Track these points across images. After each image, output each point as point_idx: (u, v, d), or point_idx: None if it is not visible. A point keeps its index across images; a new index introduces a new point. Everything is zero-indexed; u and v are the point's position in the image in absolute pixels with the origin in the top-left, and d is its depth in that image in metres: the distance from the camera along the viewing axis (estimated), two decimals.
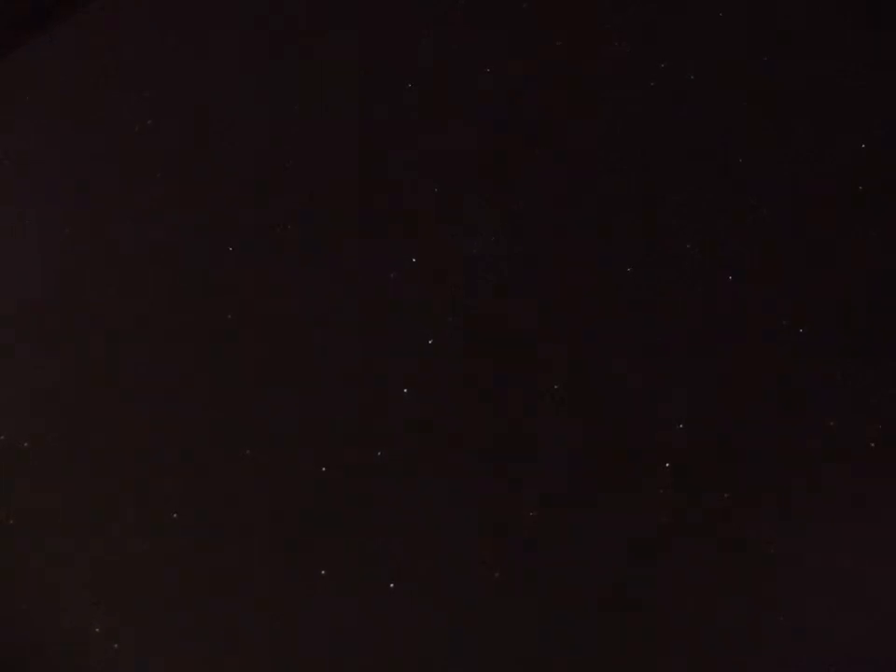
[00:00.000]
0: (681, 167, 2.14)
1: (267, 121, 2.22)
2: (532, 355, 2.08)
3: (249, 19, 2.26)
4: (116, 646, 2.02)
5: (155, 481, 2.08)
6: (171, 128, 2.25)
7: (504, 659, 1.97)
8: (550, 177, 2.16)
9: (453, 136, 2.19)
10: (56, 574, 2.06)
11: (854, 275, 2.06)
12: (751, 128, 2.14)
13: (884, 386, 2.01)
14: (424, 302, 2.13)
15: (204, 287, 2.17)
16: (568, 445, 2.04)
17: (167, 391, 2.13)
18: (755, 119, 2.14)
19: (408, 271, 2.14)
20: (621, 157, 2.15)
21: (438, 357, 2.10)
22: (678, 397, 2.04)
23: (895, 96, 2.12)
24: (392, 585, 2.00)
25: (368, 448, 2.07)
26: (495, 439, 2.06)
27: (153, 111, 2.25)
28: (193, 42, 2.27)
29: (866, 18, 2.13)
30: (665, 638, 1.95)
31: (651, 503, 2.00)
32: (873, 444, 1.99)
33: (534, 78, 2.20)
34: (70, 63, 2.28)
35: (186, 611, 2.02)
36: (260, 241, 2.18)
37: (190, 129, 2.24)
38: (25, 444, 2.13)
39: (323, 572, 2.02)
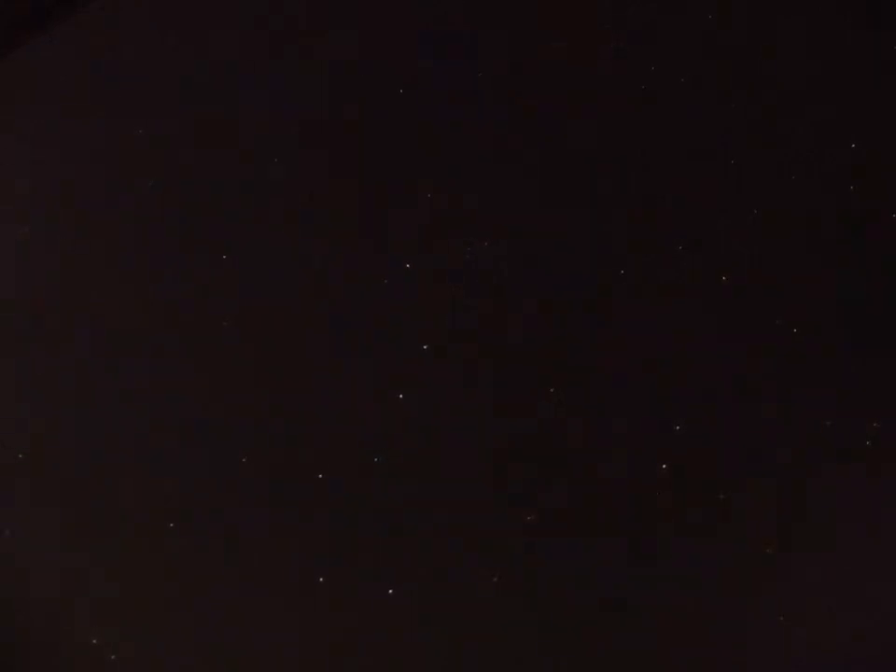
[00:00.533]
0: (674, 169, 2.14)
1: (266, 123, 2.22)
2: (528, 358, 2.08)
3: (249, 18, 2.26)
4: (114, 657, 2.01)
5: (151, 490, 2.07)
6: (170, 129, 2.24)
7: (504, 663, 1.97)
8: (544, 181, 2.16)
9: (447, 140, 2.19)
10: (53, 585, 2.05)
11: (848, 275, 2.07)
12: (744, 130, 2.14)
13: (880, 385, 2.01)
14: (418, 307, 2.12)
15: (199, 292, 2.17)
16: (566, 448, 2.04)
17: (162, 398, 2.11)
18: (747, 121, 2.15)
19: (402, 276, 2.13)
20: (613, 160, 2.15)
21: (433, 361, 2.09)
22: (674, 398, 2.04)
23: (885, 96, 2.12)
24: (391, 591, 2.00)
25: (365, 454, 2.06)
26: (492, 443, 2.06)
27: (153, 112, 2.25)
28: (193, 42, 2.26)
29: (857, 19, 2.14)
30: (664, 639, 1.95)
31: (649, 505, 2.00)
32: (869, 443, 1.99)
33: (528, 82, 2.20)
34: (70, 63, 2.27)
35: (184, 621, 2.02)
36: (255, 246, 2.18)
37: (190, 130, 2.24)
38: (21, 456, 2.12)
39: (321, 579, 2.01)
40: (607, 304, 2.09)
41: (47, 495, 2.09)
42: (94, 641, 2.02)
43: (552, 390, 2.06)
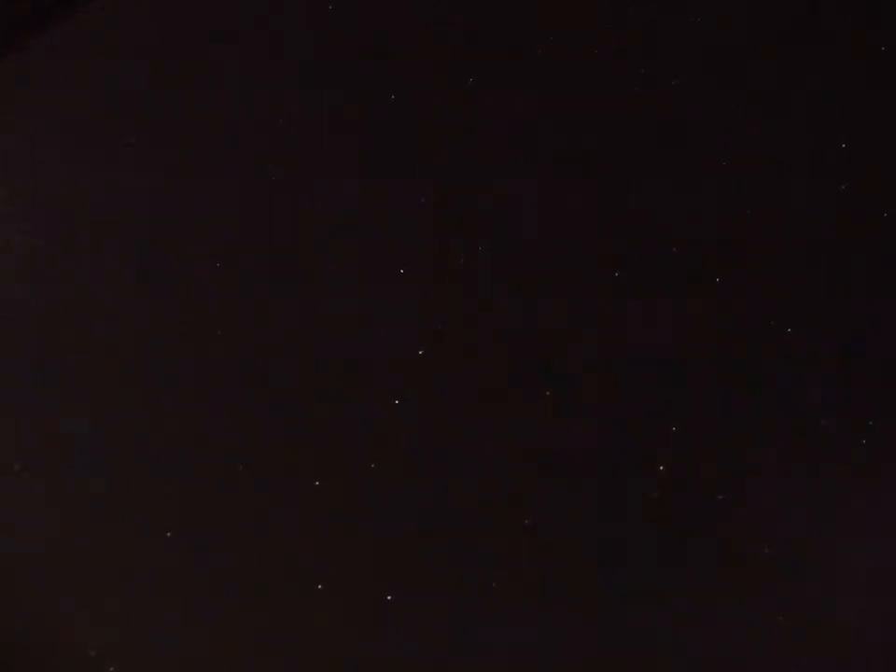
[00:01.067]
0: (668, 170, 2.15)
1: (261, 127, 2.23)
2: (523, 362, 2.08)
3: (250, 18, 2.27)
4: (112, 669, 2.00)
5: (148, 500, 2.07)
6: (170, 129, 2.25)
7: (504, 667, 1.97)
8: (538, 184, 2.16)
9: (440, 144, 2.20)
10: (50, 594, 2.04)
11: (841, 274, 2.07)
12: (735, 131, 2.15)
13: (875, 384, 2.02)
14: (413, 312, 2.12)
15: (192, 299, 2.17)
16: (562, 451, 2.04)
17: (158, 407, 2.11)
18: (738, 123, 2.16)
19: (397, 281, 2.14)
20: (607, 163, 2.16)
21: (428, 367, 2.09)
22: (671, 399, 2.04)
23: (875, 96, 2.13)
24: (389, 597, 1.99)
25: (361, 460, 2.06)
26: (488, 447, 2.05)
27: (152, 112, 2.25)
28: (193, 42, 2.27)
29: (847, 19, 2.16)
30: (663, 641, 1.95)
31: (646, 507, 2.00)
32: (864, 441, 2.00)
33: (520, 84, 2.20)
34: (70, 63, 2.28)
35: (182, 630, 2.01)
36: (249, 254, 2.18)
37: (190, 131, 2.24)
38: (16, 467, 2.11)
39: (319, 587, 2.01)
40: (602, 307, 2.10)
41: (43, 504, 2.08)
42: (92, 654, 2.01)
43: (547, 393, 2.06)
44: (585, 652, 1.95)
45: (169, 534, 2.05)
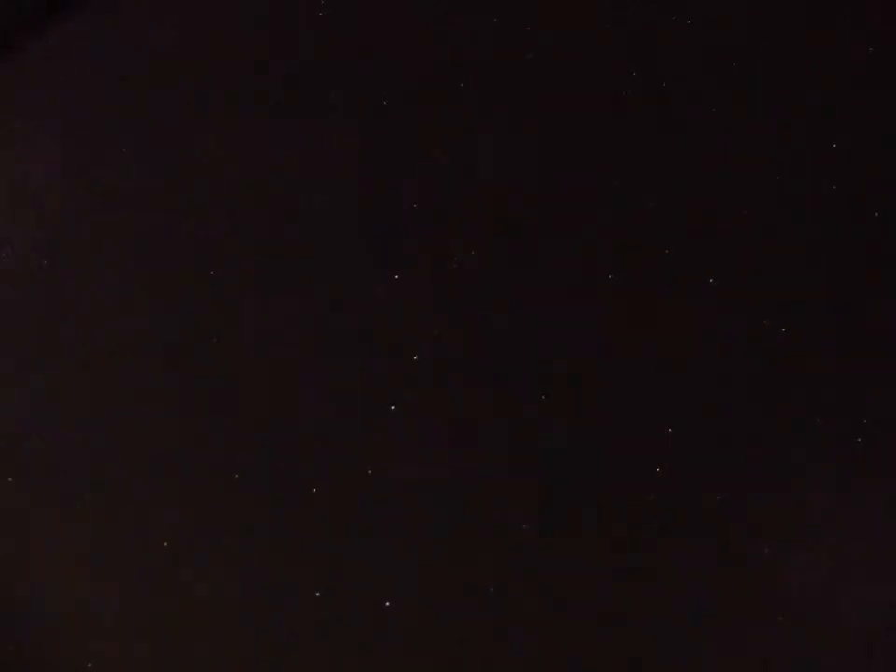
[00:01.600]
0: (660, 172, 2.15)
1: (264, 126, 2.23)
2: (518, 366, 2.08)
3: (250, 18, 2.27)
4: None
5: (144, 509, 2.06)
6: (170, 129, 2.24)
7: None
8: (530, 188, 2.16)
9: (433, 149, 2.20)
10: (47, 606, 2.03)
11: (834, 273, 2.08)
12: (726, 132, 2.16)
13: (869, 382, 2.03)
14: (408, 318, 2.12)
15: (186, 308, 2.16)
16: (558, 455, 2.04)
17: (154, 416, 2.11)
18: (729, 124, 2.17)
19: (391, 287, 2.13)
20: (599, 165, 2.17)
21: (424, 372, 2.09)
22: (665, 401, 2.04)
23: (865, 96, 2.15)
24: (388, 603, 1.99)
25: (358, 466, 2.05)
26: (485, 451, 2.05)
27: (151, 113, 2.25)
28: (193, 41, 2.27)
29: (838, 19, 2.17)
30: (662, 642, 1.95)
31: (643, 509, 2.00)
32: (860, 440, 2.00)
33: (513, 88, 2.21)
34: (70, 63, 2.28)
35: (180, 639, 2.00)
36: (243, 262, 2.18)
37: (189, 131, 2.24)
38: (10, 479, 2.10)
39: (318, 594, 2.00)
40: (596, 309, 2.10)
41: (40, 513, 2.07)
42: (89, 665, 1.99)
43: (543, 397, 2.06)
44: (585, 654, 1.95)
45: (166, 543, 2.04)
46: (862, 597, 1.94)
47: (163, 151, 2.25)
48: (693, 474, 2.01)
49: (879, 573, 1.95)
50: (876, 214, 2.10)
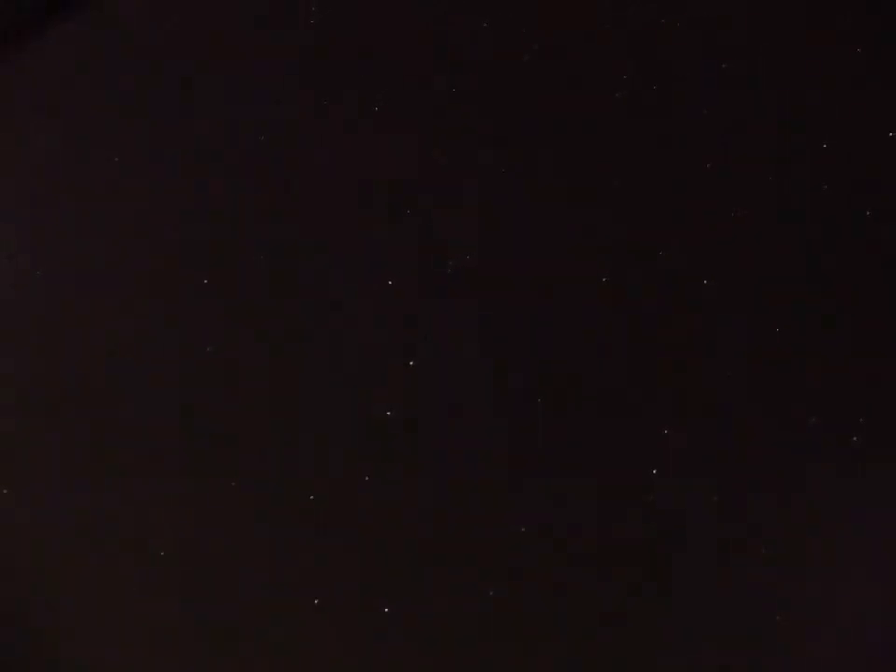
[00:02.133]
0: (652, 175, 2.16)
1: (248, 140, 2.23)
2: (514, 370, 2.09)
3: (250, 17, 2.27)
4: None
5: (140, 519, 2.05)
6: (170, 129, 2.24)
7: None
8: (523, 192, 2.17)
9: (425, 154, 2.20)
10: (43, 614, 2.02)
11: (827, 273, 2.09)
12: (718, 134, 2.17)
13: (864, 381, 2.03)
14: (402, 324, 2.12)
15: (180, 316, 2.16)
16: (555, 458, 2.04)
17: (150, 425, 2.10)
18: (721, 126, 2.17)
19: (385, 293, 2.13)
20: (592, 169, 2.17)
21: (419, 377, 2.09)
22: (661, 403, 2.05)
23: (855, 96, 2.15)
24: (387, 609, 1.98)
25: (355, 472, 2.05)
26: (481, 456, 2.05)
27: (150, 114, 2.25)
28: (193, 41, 2.27)
29: (828, 20, 2.18)
30: (662, 644, 1.95)
31: (640, 510, 2.00)
32: (855, 438, 2.01)
33: (504, 93, 2.21)
34: (70, 64, 2.28)
35: (178, 648, 1.99)
36: (237, 269, 2.17)
37: (189, 131, 2.24)
38: (5, 491, 2.10)
39: (316, 601, 2.00)
40: (591, 312, 2.10)
41: (36, 523, 2.06)
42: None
43: (539, 401, 2.06)
44: (585, 656, 1.95)
45: (163, 553, 2.03)
46: (861, 597, 1.94)
47: (163, 151, 2.25)
48: (690, 475, 2.01)
49: (877, 572, 1.95)
50: (868, 213, 2.10)
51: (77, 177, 2.25)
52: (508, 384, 2.08)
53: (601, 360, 2.08)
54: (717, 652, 1.94)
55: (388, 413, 2.08)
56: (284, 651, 1.98)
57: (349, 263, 2.16)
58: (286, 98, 2.25)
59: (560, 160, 2.18)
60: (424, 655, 1.97)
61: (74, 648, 2.00)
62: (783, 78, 2.18)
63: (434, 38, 2.25)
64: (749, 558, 1.96)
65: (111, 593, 2.02)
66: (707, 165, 2.15)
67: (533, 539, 2.00)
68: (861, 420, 2.01)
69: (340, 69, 2.26)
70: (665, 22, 2.21)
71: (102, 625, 2.01)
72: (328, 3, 2.29)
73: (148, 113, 2.26)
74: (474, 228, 2.16)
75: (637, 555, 1.98)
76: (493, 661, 1.96)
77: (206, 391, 2.11)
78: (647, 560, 1.98)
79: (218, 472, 2.06)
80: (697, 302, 2.09)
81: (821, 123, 2.15)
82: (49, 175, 2.27)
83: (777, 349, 2.06)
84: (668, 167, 2.16)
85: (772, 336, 2.06)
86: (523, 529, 2.01)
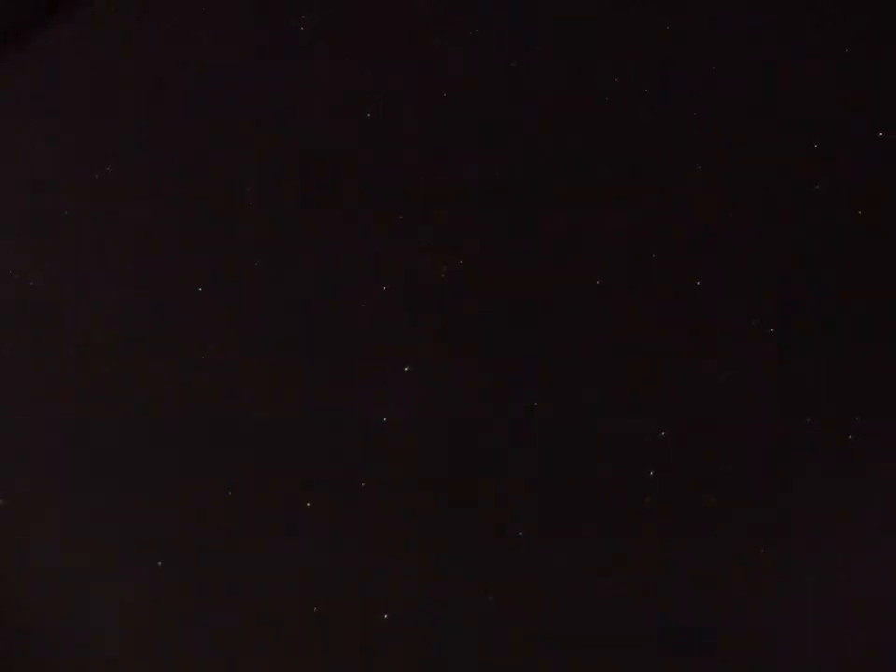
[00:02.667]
0: (644, 177, 2.16)
1: (242, 147, 2.23)
2: (510, 373, 2.08)
3: (249, 19, 2.27)
4: None
5: (137, 529, 2.05)
6: (170, 129, 2.24)
7: None
8: (516, 196, 2.17)
9: (417, 159, 2.21)
10: (40, 624, 2.01)
11: (820, 274, 2.09)
12: (709, 135, 2.17)
13: (858, 380, 2.03)
14: (397, 330, 2.12)
15: (173, 325, 2.16)
16: (552, 461, 2.04)
17: (146, 433, 2.10)
18: (712, 127, 2.18)
19: (380, 299, 2.13)
20: (585, 172, 2.18)
21: (415, 383, 2.09)
22: (656, 404, 2.05)
23: (845, 96, 2.16)
24: (386, 616, 1.98)
25: (351, 479, 2.05)
26: (478, 460, 2.05)
27: (151, 113, 2.25)
28: (194, 42, 2.27)
29: (819, 20, 2.18)
30: (661, 645, 1.95)
31: (638, 512, 2.00)
32: (851, 437, 2.01)
33: (497, 96, 2.22)
34: (70, 64, 2.27)
35: (176, 658, 1.98)
36: (231, 276, 2.17)
37: (189, 131, 2.24)
38: (2, 502, 2.09)
39: (315, 608, 1.99)
40: (585, 315, 2.10)
41: (33, 533, 2.06)
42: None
43: (535, 404, 2.06)
44: (584, 658, 1.94)
45: (160, 562, 2.03)
46: (860, 597, 1.95)
47: (163, 152, 2.25)
48: (687, 476, 2.01)
49: (875, 572, 1.95)
50: (860, 212, 2.11)
51: (77, 178, 2.25)
52: (503, 388, 2.08)
53: (596, 363, 2.08)
54: (716, 653, 1.94)
55: (384, 419, 2.07)
56: (283, 658, 1.98)
57: (343, 269, 2.16)
58: (284, 99, 2.26)
59: (553, 163, 2.18)
60: (424, 661, 1.97)
61: (73, 648, 2.00)
62: (773, 80, 2.19)
63: (420, 40, 2.26)
64: (748, 559, 1.96)
65: (107, 603, 2.02)
66: (698, 167, 2.15)
67: (531, 543, 2.00)
68: (856, 419, 2.01)
69: (335, 72, 2.27)
70: (654, 25, 2.22)
71: (100, 629, 2.01)
72: (327, 3, 2.30)
73: (149, 113, 2.26)
74: (467, 232, 2.16)
75: (636, 556, 1.98)
76: (493, 665, 1.96)
77: (199, 400, 2.11)
78: (645, 561, 1.98)
79: (215, 480, 2.06)
80: (691, 304, 2.09)
81: (812, 124, 2.15)
82: (48, 175, 2.27)
83: (771, 349, 2.06)
84: (659, 170, 2.17)
85: (767, 336, 2.07)
86: (520, 533, 2.01)
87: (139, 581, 2.02)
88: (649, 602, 1.95)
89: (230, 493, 2.05)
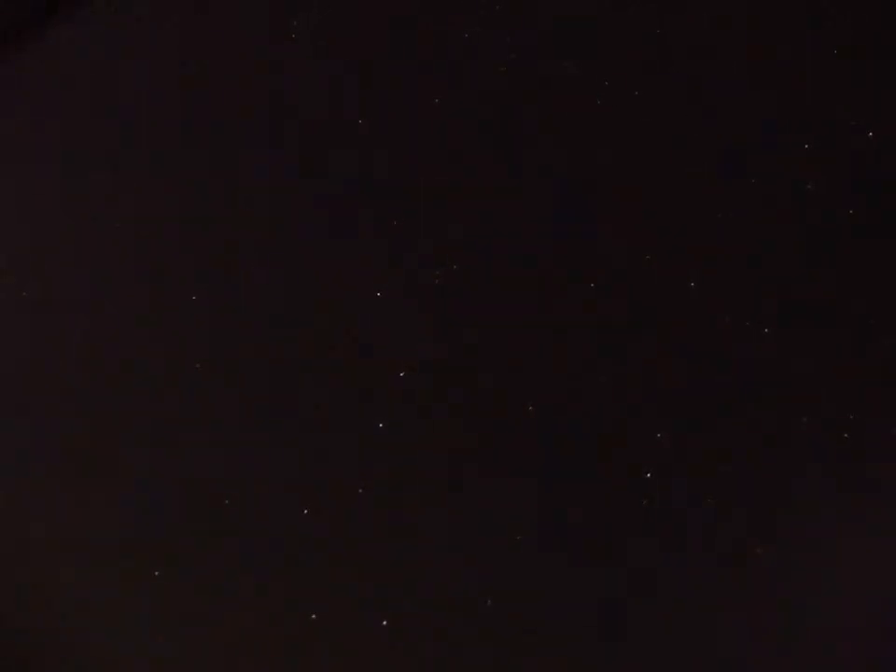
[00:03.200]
0: (637, 179, 2.16)
1: (262, 129, 2.22)
2: (506, 377, 2.08)
3: (249, 19, 2.26)
4: None
5: (133, 538, 2.04)
6: (169, 130, 2.23)
7: None
8: (510, 200, 2.17)
9: (411, 163, 2.20)
10: (37, 634, 2.01)
11: (813, 274, 2.10)
12: (701, 136, 2.18)
13: (852, 379, 2.04)
14: (392, 335, 2.12)
15: (168, 333, 2.15)
16: (549, 464, 2.04)
17: (141, 442, 2.09)
18: (703, 128, 2.18)
19: (375, 304, 2.13)
20: (578, 175, 2.18)
21: (411, 388, 2.09)
22: (652, 406, 2.05)
23: (837, 95, 2.17)
24: (385, 622, 1.98)
25: (348, 486, 2.04)
26: (475, 465, 2.05)
27: (151, 114, 2.24)
28: (194, 42, 2.26)
29: (810, 20, 2.19)
30: (660, 647, 1.95)
31: (636, 514, 2.00)
32: (846, 435, 2.02)
33: (490, 100, 2.22)
34: (70, 63, 2.27)
35: (174, 663, 1.98)
36: (225, 284, 2.17)
37: (189, 132, 2.23)
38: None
39: (314, 616, 1.99)
40: (579, 318, 2.11)
41: (30, 542, 2.05)
42: None
43: (530, 408, 2.06)
44: (584, 660, 1.94)
45: (157, 573, 2.02)
46: (859, 596, 1.95)
47: (163, 152, 2.25)
48: (684, 478, 2.01)
49: (875, 570, 1.96)
50: (851, 212, 2.12)
51: (77, 178, 2.25)
52: (499, 391, 2.08)
53: (592, 366, 2.08)
54: (716, 654, 1.94)
55: (380, 425, 2.07)
56: (282, 667, 1.97)
57: (335, 276, 2.16)
58: (283, 101, 2.25)
59: (546, 167, 2.19)
60: (423, 667, 1.97)
61: (72, 649, 1.99)
62: (764, 81, 2.19)
63: (413, 48, 2.26)
64: (746, 559, 1.96)
65: (104, 614, 2.01)
66: (691, 168, 2.15)
67: (529, 547, 2.00)
68: (851, 417, 2.02)
69: (330, 75, 2.26)
70: (646, 28, 2.22)
71: (99, 633, 2.00)
72: (326, 3, 2.29)
73: (149, 113, 2.25)
74: (461, 237, 2.16)
75: (633, 558, 1.98)
76: (493, 670, 1.96)
77: (194, 409, 2.10)
78: (642, 563, 1.98)
79: (210, 490, 2.05)
80: (686, 305, 2.09)
81: (803, 124, 2.16)
82: (48, 175, 2.26)
83: (765, 350, 2.07)
84: (651, 171, 2.17)
85: (760, 337, 2.07)
86: (519, 537, 2.00)
87: (136, 587, 2.01)
88: (647, 604, 1.96)
89: (227, 502, 2.05)
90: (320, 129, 2.24)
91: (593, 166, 2.18)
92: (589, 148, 2.19)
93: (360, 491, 2.04)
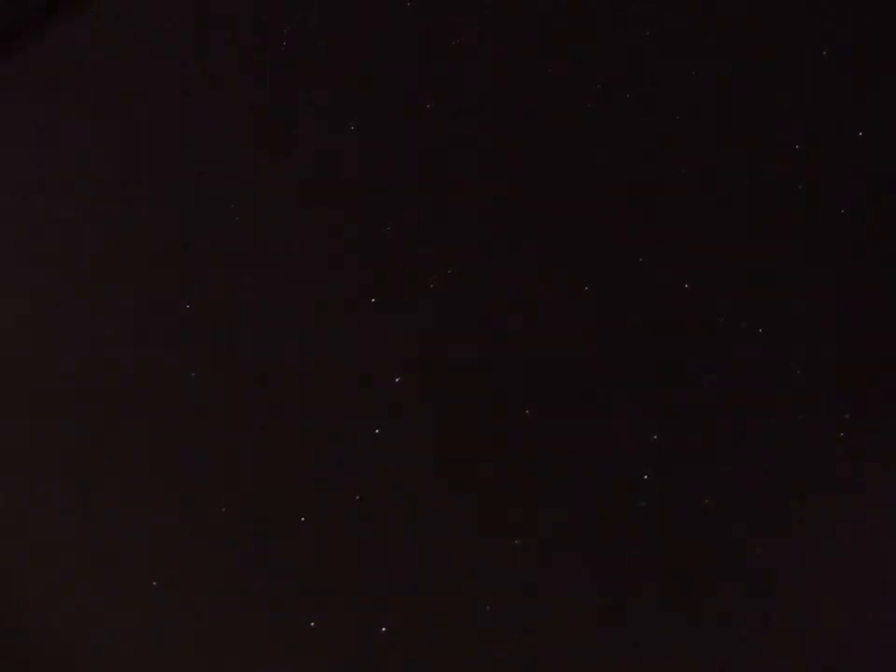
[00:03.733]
0: (631, 180, 2.17)
1: (262, 130, 2.23)
2: (502, 381, 2.09)
3: (249, 19, 2.27)
4: None
5: (131, 548, 2.04)
6: (169, 130, 2.24)
7: None
8: (504, 204, 2.18)
9: (406, 166, 2.21)
10: (35, 642, 2.00)
11: (806, 273, 2.10)
12: (694, 137, 2.18)
13: (848, 378, 2.04)
14: (388, 341, 2.12)
15: (163, 342, 2.15)
16: (546, 466, 2.04)
17: (138, 451, 2.09)
18: (695, 129, 2.19)
19: (370, 309, 2.13)
20: (572, 176, 2.18)
21: (407, 394, 2.09)
22: (649, 407, 2.05)
23: (829, 95, 2.18)
24: (384, 629, 1.97)
25: (346, 493, 2.04)
26: (472, 470, 2.05)
27: (151, 113, 2.25)
28: (194, 42, 2.27)
29: (803, 19, 2.20)
30: (659, 648, 1.95)
31: (634, 515, 2.00)
32: (843, 434, 2.02)
33: (485, 102, 2.23)
34: (70, 63, 2.27)
35: (176, 665, 1.97)
36: (220, 292, 2.17)
37: (189, 132, 2.24)
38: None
39: (312, 623, 1.98)
40: (575, 321, 2.11)
41: (30, 542, 2.04)
42: None
43: (527, 412, 2.07)
44: (584, 660, 1.94)
45: (155, 582, 2.02)
46: (858, 596, 1.95)
47: (163, 152, 2.25)
48: (681, 479, 2.01)
49: (873, 569, 1.96)
50: (843, 211, 2.12)
51: (77, 178, 2.25)
52: (494, 394, 2.08)
53: (587, 368, 2.08)
54: (716, 654, 1.94)
55: (377, 431, 2.07)
56: None
57: (331, 281, 2.16)
58: (283, 101, 2.26)
59: (540, 169, 2.19)
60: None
61: (72, 649, 1.98)
62: (755, 81, 2.20)
63: (408, 52, 2.27)
64: (745, 559, 1.96)
65: (102, 625, 2.01)
66: (682, 170, 2.16)
67: (527, 552, 2.00)
68: (846, 416, 2.02)
69: (327, 78, 2.27)
70: (636, 29, 2.23)
71: (97, 635, 1.99)
72: (326, 4, 2.30)
73: (148, 113, 2.26)
74: (456, 242, 2.16)
75: (632, 559, 1.98)
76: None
77: (190, 417, 2.11)
78: (641, 564, 1.98)
79: (207, 498, 2.05)
80: (680, 306, 2.10)
81: (794, 124, 2.17)
82: (48, 175, 2.26)
83: (760, 350, 2.07)
84: (644, 173, 2.17)
85: (755, 337, 2.07)
86: (517, 542, 2.00)
87: (135, 589, 2.01)
88: (646, 605, 1.95)
89: (223, 509, 2.05)
90: (316, 132, 2.25)
91: (587, 169, 2.19)
92: (583, 150, 2.20)
93: (357, 498, 2.04)
